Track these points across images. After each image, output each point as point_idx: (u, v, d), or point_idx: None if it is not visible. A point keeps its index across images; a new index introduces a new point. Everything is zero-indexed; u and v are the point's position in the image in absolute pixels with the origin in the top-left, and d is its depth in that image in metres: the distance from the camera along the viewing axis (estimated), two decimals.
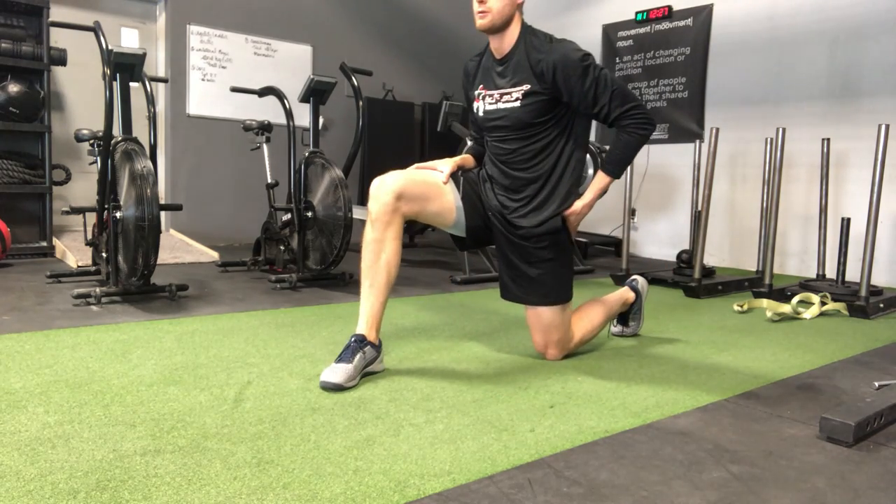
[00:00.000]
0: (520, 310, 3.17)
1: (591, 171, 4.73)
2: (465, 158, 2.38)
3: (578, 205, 2.19)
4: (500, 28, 2.11)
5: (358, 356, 1.96)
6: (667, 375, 2.18)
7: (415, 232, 5.74)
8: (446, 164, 2.24)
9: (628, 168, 4.17)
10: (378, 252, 2.04)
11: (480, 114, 2.24)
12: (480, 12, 2.09)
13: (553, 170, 2.17)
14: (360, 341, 2.00)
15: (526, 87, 2.10)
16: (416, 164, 2.23)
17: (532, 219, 2.19)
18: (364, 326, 2.04)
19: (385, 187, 2.04)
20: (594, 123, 2.20)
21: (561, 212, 2.18)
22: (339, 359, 1.96)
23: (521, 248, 2.22)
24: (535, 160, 2.17)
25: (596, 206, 5.03)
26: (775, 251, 4.06)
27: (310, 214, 3.58)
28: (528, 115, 2.12)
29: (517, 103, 2.12)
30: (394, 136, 6.24)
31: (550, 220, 2.17)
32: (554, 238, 2.20)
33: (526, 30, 2.15)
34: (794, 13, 4.90)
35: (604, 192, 2.19)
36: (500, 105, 2.17)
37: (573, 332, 2.33)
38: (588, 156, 4.76)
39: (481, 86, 2.24)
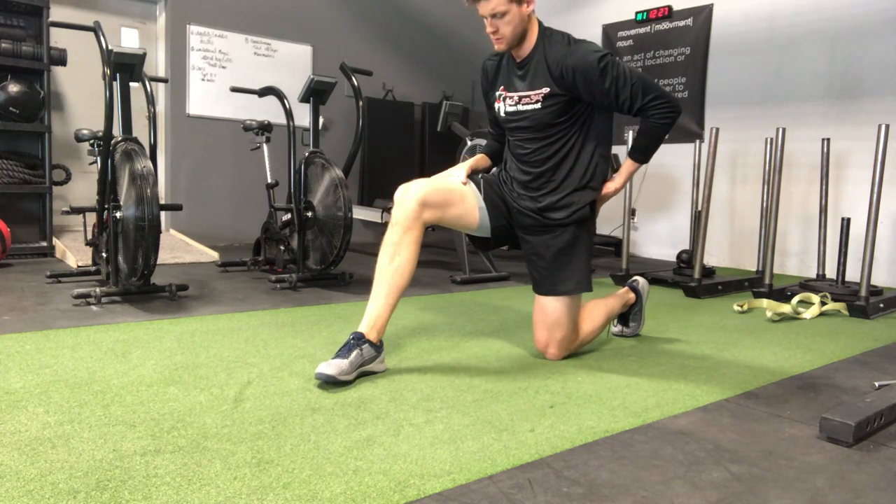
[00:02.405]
0: (519, 309, 3.18)
1: None
2: (479, 160, 2.43)
3: (610, 187, 2.29)
4: (518, 44, 2.17)
5: (354, 353, 1.97)
6: (667, 375, 2.18)
7: None
8: (461, 169, 2.31)
9: None
10: (393, 255, 2.08)
11: (502, 114, 2.29)
12: (496, 39, 2.16)
13: (574, 166, 2.22)
14: (358, 339, 2.01)
15: (545, 90, 2.15)
16: (434, 176, 2.28)
17: (559, 213, 2.23)
18: (365, 325, 2.05)
19: (410, 194, 2.10)
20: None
21: (587, 202, 2.23)
22: (336, 354, 1.98)
23: (549, 242, 2.26)
24: (556, 158, 2.21)
25: None
26: (775, 251, 4.06)
27: (310, 214, 3.58)
28: (549, 116, 2.17)
29: (538, 105, 2.17)
30: (394, 136, 6.24)
31: (580, 209, 2.23)
32: (582, 226, 2.25)
33: (543, 32, 2.18)
34: (794, 13, 4.90)
35: (632, 175, 2.33)
36: (521, 107, 2.21)
37: (576, 334, 2.33)
38: None
39: (502, 87, 2.28)
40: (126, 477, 1.32)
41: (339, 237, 3.37)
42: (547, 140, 2.20)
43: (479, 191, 2.29)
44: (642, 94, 2.11)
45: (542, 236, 2.27)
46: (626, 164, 2.29)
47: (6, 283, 3.38)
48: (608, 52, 2.12)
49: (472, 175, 2.33)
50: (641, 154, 2.25)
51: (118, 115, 3.06)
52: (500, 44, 2.16)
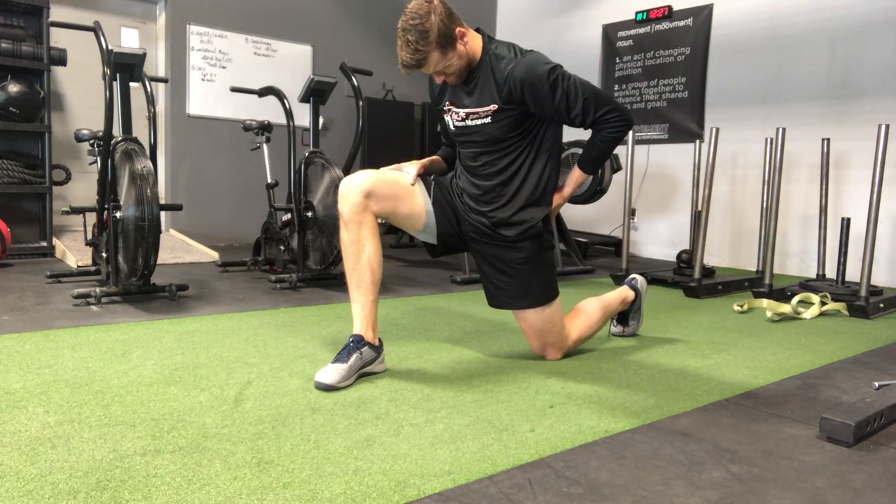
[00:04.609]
0: None
1: None
2: (433, 161, 2.35)
3: (556, 198, 2.23)
4: (467, 69, 2.10)
5: (354, 356, 1.96)
6: (667, 375, 2.18)
7: None
8: (412, 166, 2.22)
9: (628, 168, 4.22)
10: (358, 253, 2.04)
11: (451, 128, 2.22)
12: (447, 78, 2.09)
13: (525, 181, 2.15)
14: (358, 342, 2.00)
15: (492, 107, 2.07)
16: (383, 168, 2.21)
17: (511, 230, 2.17)
18: (360, 327, 2.04)
19: (353, 187, 2.04)
20: None
21: (539, 219, 2.16)
22: (336, 359, 1.97)
23: (501, 255, 2.20)
24: (507, 172, 2.14)
25: (596, 205, 5.10)
26: (775, 251, 4.06)
27: (310, 214, 3.58)
28: (500, 131, 2.09)
29: (487, 119, 2.09)
30: (394, 136, 6.24)
31: (531, 227, 2.16)
32: (536, 241, 2.18)
33: (488, 47, 2.10)
34: (793, 13, 4.90)
35: (580, 185, 2.27)
36: (469, 122, 2.13)
37: (569, 331, 2.32)
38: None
39: (448, 102, 2.20)
40: (126, 477, 1.32)
41: (339, 237, 3.37)
42: (497, 154, 2.13)
43: (429, 194, 2.22)
44: (595, 108, 2.03)
45: (494, 250, 2.21)
46: (574, 174, 2.21)
47: (6, 283, 3.38)
48: (558, 64, 2.04)
49: (424, 176, 2.25)
50: (590, 165, 2.18)
51: (118, 115, 3.06)
52: (452, 79, 2.10)
